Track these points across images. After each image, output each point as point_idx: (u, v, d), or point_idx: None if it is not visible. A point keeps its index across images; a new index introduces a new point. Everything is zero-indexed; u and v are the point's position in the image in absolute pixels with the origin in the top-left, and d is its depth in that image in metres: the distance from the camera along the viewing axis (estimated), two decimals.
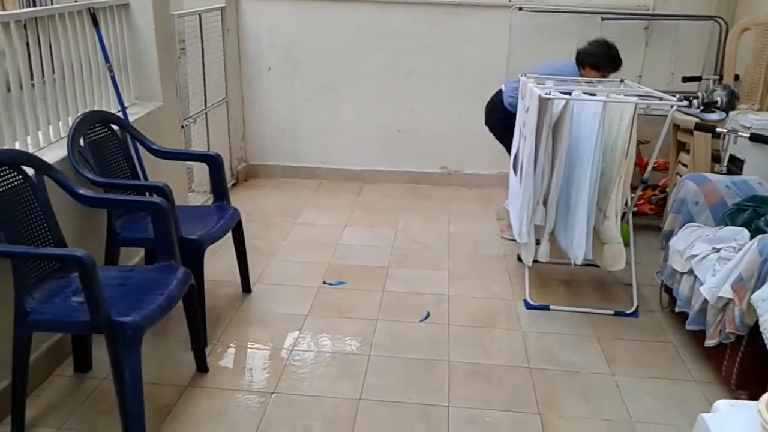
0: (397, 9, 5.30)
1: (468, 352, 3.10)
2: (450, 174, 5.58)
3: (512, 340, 3.22)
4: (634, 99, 3.29)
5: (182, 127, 4.31)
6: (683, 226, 3.30)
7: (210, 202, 4.87)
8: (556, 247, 3.62)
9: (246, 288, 3.60)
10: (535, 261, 3.62)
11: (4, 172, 2.46)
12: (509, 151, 4.45)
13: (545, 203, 3.50)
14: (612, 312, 3.49)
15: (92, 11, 3.38)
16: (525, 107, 3.61)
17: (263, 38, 5.40)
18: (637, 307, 3.50)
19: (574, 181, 3.48)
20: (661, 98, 3.31)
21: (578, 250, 3.35)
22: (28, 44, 2.96)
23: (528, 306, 3.53)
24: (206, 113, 4.80)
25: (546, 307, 3.52)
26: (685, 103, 3.28)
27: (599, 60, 3.98)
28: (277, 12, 5.36)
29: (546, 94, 3.20)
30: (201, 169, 4.91)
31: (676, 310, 3.16)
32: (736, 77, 4.42)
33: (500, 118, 4.32)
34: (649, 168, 3.57)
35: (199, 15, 4.58)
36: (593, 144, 3.22)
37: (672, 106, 3.27)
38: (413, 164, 5.58)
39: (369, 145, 5.57)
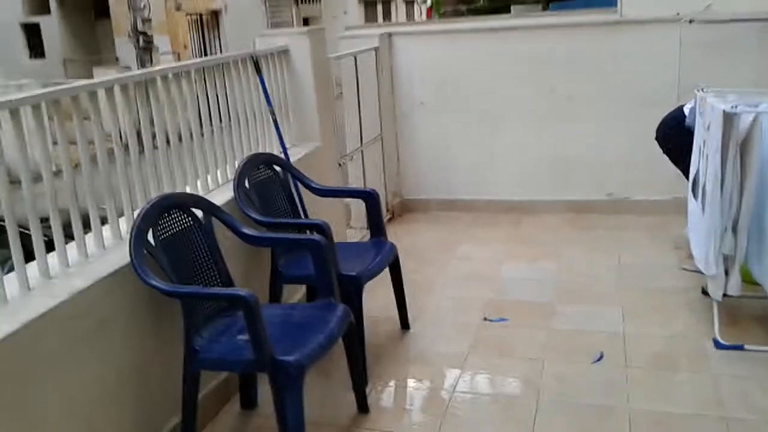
0: (550, 33, 5.11)
1: (650, 398, 2.79)
2: (617, 201, 5.22)
3: (701, 384, 2.86)
4: None
5: (339, 165, 4.38)
6: None
7: (367, 238, 4.93)
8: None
9: (404, 324, 3.52)
10: (724, 295, 3.22)
11: (176, 215, 2.57)
12: (685, 173, 4.07)
13: (734, 230, 3.11)
14: None
15: (255, 59, 3.53)
16: (705, 124, 3.27)
17: (415, 74, 5.41)
18: None
19: None
20: None
21: None
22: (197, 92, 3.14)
23: (718, 346, 3.14)
24: (362, 150, 4.85)
25: (740, 347, 3.10)
26: None
27: None
28: (428, 47, 5.37)
29: (732, 108, 2.87)
30: (358, 205, 4.95)
31: None
32: None
33: (678, 137, 3.96)
34: None
35: (355, 57, 4.67)
36: None
37: None
38: (575, 192, 5.28)
39: (526, 175, 5.36)
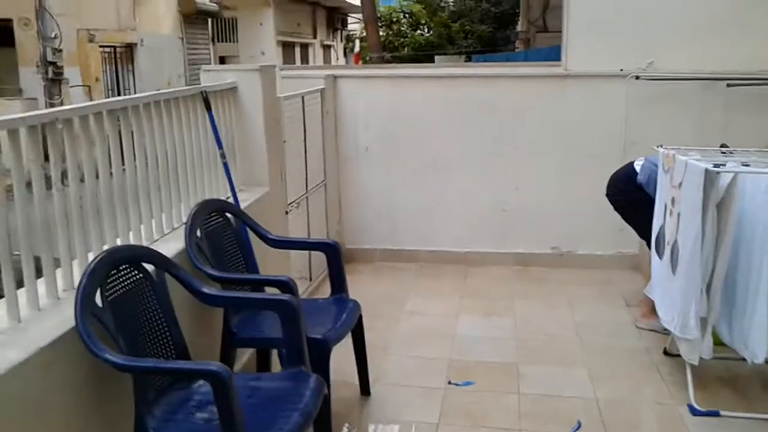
0: (499, 83, 5.07)
1: None
2: (562, 255, 5.16)
3: None
4: None
5: (286, 212, 4.08)
6: None
7: (309, 290, 4.62)
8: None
9: (365, 390, 3.23)
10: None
11: (125, 271, 2.21)
12: (637, 230, 4.04)
13: (708, 291, 3.04)
14: None
15: (205, 95, 3.22)
16: (675, 182, 3.22)
17: (360, 118, 5.22)
18: None
19: (740, 264, 3.03)
20: None
21: (758, 347, 2.86)
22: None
23: (694, 412, 3.02)
24: (307, 197, 4.57)
25: (716, 413, 3.00)
26: None
27: None
28: (374, 91, 5.21)
29: (714, 166, 2.81)
30: (299, 255, 4.64)
31: None
32: None
33: (630, 194, 3.92)
34: None
35: (302, 98, 4.42)
36: None
37: None
38: (521, 245, 5.19)
39: (472, 226, 5.23)
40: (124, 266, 2.20)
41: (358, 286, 4.75)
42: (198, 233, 2.76)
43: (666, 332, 3.48)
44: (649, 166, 3.78)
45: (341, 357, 3.17)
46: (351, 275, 4.98)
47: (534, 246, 5.18)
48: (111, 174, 2.55)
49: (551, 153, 5.03)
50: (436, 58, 14.72)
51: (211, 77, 3.65)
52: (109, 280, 2.12)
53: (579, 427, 2.93)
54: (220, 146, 3.30)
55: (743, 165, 3.13)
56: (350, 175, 5.31)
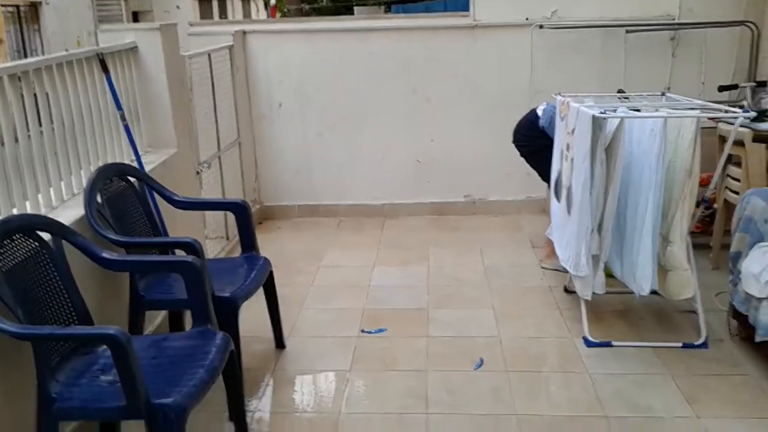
0: (410, 35, 5.10)
1: (535, 402, 2.82)
2: (474, 202, 5.33)
3: (580, 384, 2.93)
4: (696, 113, 3.04)
5: (197, 172, 4.06)
6: (753, 246, 3.04)
7: (227, 249, 4.64)
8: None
9: (279, 343, 3.32)
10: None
11: (19, 241, 2.19)
12: (541, 175, 4.22)
13: (599, 230, 3.23)
14: (680, 344, 3.21)
15: (101, 56, 3.15)
16: (569, 128, 3.37)
17: (272, 74, 5.18)
18: (707, 337, 3.22)
19: (629, 204, 3.23)
20: (726, 111, 3.06)
21: (643, 280, 3.08)
22: (35, 95, 2.73)
23: (588, 344, 3.25)
24: (219, 156, 4.55)
25: (608, 344, 3.23)
26: (753, 114, 3.02)
27: None
28: (285, 46, 5.16)
29: (600, 113, 2.96)
30: (215, 215, 4.63)
31: (758, 339, 2.88)
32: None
33: (533, 140, 4.08)
34: (712, 185, 3.32)
35: (209, 55, 4.35)
36: (653, 164, 2.97)
37: (738, 118, 3.02)
38: (436, 195, 5.33)
39: (389, 178, 5.33)
40: (17, 236, 2.19)
41: (277, 243, 4.83)
42: (99, 199, 2.74)
43: (566, 271, 3.69)
44: (550, 109, 3.93)
45: (257, 313, 3.25)
46: (270, 232, 5.09)
47: (448, 195, 5.32)
48: (2, 143, 2.50)
49: (463, 104, 5.14)
50: (356, 9, 14.55)
51: (110, 38, 3.55)
52: (2, 251, 2.10)
53: (481, 363, 3.11)
54: (119, 108, 3.24)
55: (634, 110, 3.30)
56: (265, 132, 5.30)
